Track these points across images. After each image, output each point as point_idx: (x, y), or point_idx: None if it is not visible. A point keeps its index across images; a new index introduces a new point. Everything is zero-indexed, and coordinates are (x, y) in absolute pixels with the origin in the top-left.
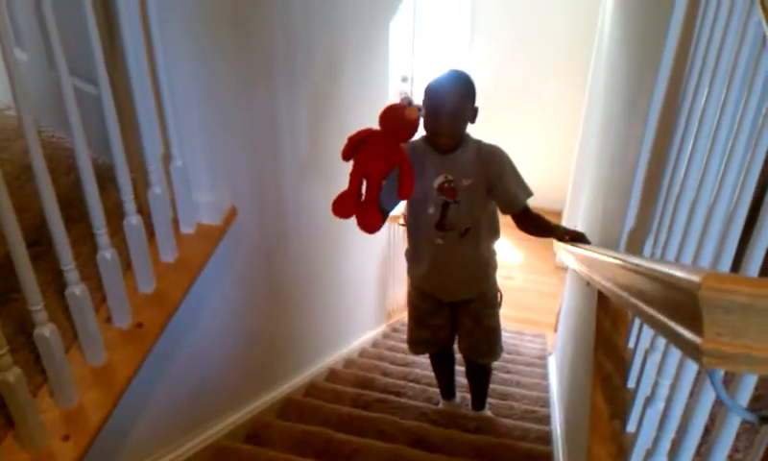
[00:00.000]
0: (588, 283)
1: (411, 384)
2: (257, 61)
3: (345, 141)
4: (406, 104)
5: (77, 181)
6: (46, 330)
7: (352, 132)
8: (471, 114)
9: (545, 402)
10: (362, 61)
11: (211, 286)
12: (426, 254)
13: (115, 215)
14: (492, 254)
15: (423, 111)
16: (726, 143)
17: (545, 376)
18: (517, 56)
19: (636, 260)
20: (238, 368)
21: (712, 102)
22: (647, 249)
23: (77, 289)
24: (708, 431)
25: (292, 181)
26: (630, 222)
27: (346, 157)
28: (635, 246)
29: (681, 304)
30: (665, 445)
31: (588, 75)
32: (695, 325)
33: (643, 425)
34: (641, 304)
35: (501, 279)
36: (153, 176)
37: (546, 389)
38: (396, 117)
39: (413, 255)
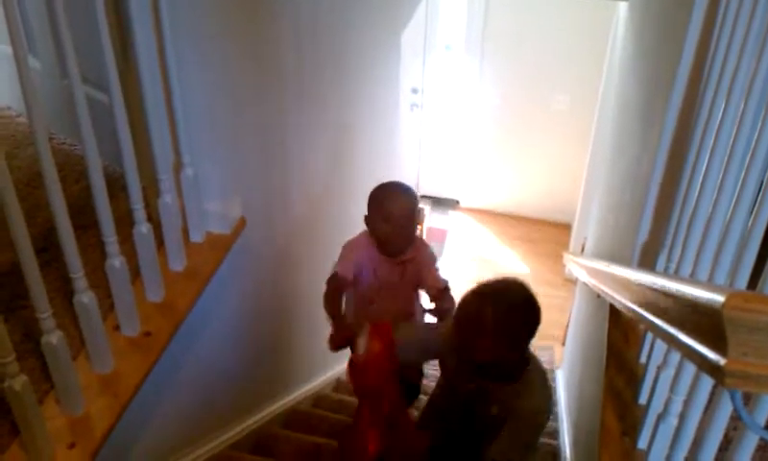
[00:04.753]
0: (599, 296)
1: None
2: (268, 73)
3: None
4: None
5: (87, 188)
6: (54, 338)
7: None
8: (517, 356)
9: (554, 417)
10: (373, 72)
11: (219, 295)
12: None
13: (125, 223)
14: None
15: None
16: (743, 158)
17: (553, 389)
18: (528, 67)
19: (655, 278)
20: (245, 378)
21: (729, 116)
22: (660, 263)
23: (85, 297)
24: (721, 449)
25: (300, 190)
26: (643, 236)
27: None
28: (647, 260)
29: (703, 324)
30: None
31: (600, 88)
32: (719, 344)
33: (655, 442)
34: (660, 323)
35: None
36: (163, 185)
37: (554, 401)
38: (368, 372)
39: None
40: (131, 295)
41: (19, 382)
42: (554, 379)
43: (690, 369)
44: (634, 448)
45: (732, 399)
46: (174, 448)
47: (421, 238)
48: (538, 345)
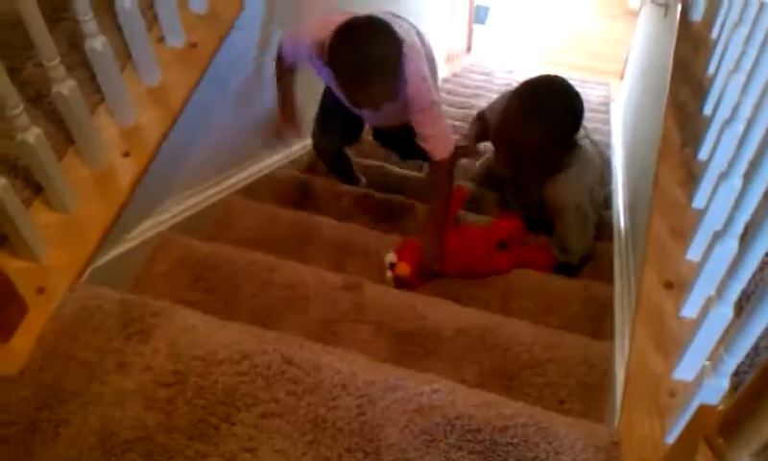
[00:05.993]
0: (667, 13)
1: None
2: None
3: None
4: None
5: None
6: (97, 43)
7: None
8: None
9: (606, 146)
10: None
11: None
12: None
13: None
14: None
15: None
16: None
17: (607, 122)
18: None
19: None
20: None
21: None
22: None
23: (126, 2)
24: None
25: None
26: None
27: None
28: None
29: None
30: (742, 166)
31: None
32: None
33: (718, 151)
34: None
35: (570, 25)
36: None
37: (607, 134)
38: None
39: None
40: (173, 2)
41: (67, 87)
42: (608, 112)
43: (763, 71)
44: (693, 159)
45: None
46: (225, 166)
47: (420, 84)
48: (595, 81)
